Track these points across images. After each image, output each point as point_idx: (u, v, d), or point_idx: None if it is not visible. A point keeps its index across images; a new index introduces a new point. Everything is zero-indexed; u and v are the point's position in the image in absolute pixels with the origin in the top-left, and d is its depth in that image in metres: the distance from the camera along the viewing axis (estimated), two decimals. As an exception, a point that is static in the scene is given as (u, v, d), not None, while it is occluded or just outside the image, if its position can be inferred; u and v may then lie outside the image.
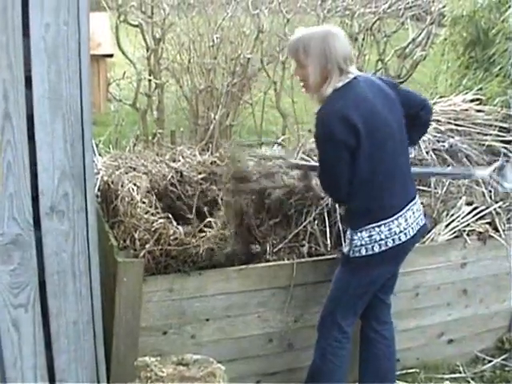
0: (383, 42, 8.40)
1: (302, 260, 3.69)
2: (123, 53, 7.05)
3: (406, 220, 3.38)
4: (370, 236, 3.33)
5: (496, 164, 4.12)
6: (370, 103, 3.28)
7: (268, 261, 3.66)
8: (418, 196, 3.53)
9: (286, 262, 3.66)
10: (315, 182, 3.83)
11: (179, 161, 4.00)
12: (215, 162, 3.90)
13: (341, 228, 3.83)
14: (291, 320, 3.74)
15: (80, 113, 2.61)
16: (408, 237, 3.39)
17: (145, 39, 7.20)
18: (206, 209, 3.76)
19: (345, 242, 3.51)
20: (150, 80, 7.31)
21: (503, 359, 4.39)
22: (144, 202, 3.59)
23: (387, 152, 3.31)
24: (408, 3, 8.86)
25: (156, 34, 7.18)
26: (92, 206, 2.76)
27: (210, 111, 7.05)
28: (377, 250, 3.34)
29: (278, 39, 7.53)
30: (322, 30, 3.33)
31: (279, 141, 5.26)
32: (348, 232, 3.42)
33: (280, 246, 3.72)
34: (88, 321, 2.90)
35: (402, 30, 8.60)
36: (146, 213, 3.52)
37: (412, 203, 3.44)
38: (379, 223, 3.32)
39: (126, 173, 3.91)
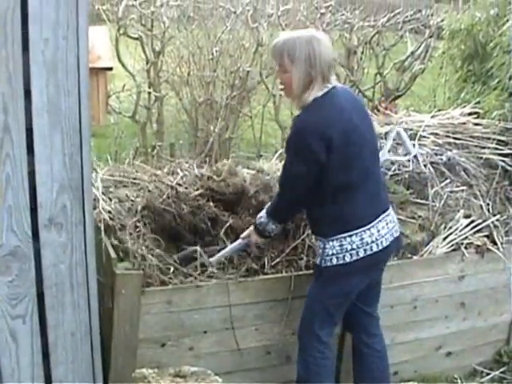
0: (382, 55, 8.44)
1: (300, 273, 3.71)
2: (123, 65, 7.07)
3: (379, 231, 3.38)
4: (341, 245, 3.33)
5: (389, 141, 4.14)
6: (348, 114, 3.28)
7: (266, 274, 3.67)
8: (391, 207, 3.55)
9: (284, 274, 3.67)
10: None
11: (177, 174, 4.00)
12: (211, 177, 3.89)
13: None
14: (289, 333, 3.74)
15: (79, 126, 2.62)
16: (380, 247, 3.39)
17: (144, 52, 7.22)
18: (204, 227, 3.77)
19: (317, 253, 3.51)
20: (149, 92, 7.33)
21: (501, 372, 4.39)
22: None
23: (361, 162, 3.32)
24: (407, 17, 8.94)
25: (156, 47, 7.20)
26: (90, 218, 2.78)
27: (209, 124, 7.06)
28: (348, 259, 3.34)
29: (277, 52, 7.54)
30: (307, 35, 3.29)
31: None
32: (319, 242, 3.42)
33: (278, 260, 3.74)
34: (86, 332, 2.91)
35: (401, 43, 8.65)
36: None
37: (385, 214, 3.44)
38: (351, 233, 3.32)
39: (125, 186, 3.94)
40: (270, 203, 3.57)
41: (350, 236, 3.32)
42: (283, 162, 3.46)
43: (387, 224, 3.43)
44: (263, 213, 3.53)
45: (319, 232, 3.44)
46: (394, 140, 4.22)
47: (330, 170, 3.23)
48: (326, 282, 3.44)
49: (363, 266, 3.40)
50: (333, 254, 3.34)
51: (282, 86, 3.39)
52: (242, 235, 3.66)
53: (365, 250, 3.34)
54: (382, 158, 3.93)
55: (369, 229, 3.35)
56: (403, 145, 4.24)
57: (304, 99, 3.27)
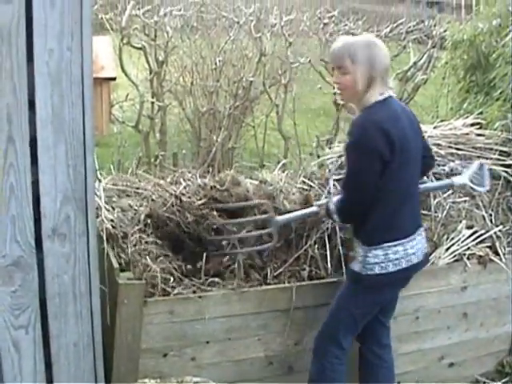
0: (385, 65, 8.42)
1: (303, 283, 3.70)
2: (126, 75, 7.09)
3: (417, 243, 3.43)
4: (385, 254, 3.35)
5: (471, 169, 4.13)
6: (402, 124, 3.33)
7: (269, 284, 3.67)
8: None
9: (287, 285, 3.67)
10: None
11: (180, 183, 4.00)
12: (215, 186, 3.90)
13: (341, 251, 3.84)
14: (291, 343, 3.74)
15: (82, 137, 2.63)
16: (417, 260, 3.44)
17: (148, 61, 7.24)
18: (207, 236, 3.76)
19: (347, 260, 3.50)
20: (152, 102, 7.34)
21: (504, 383, 4.38)
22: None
23: (411, 172, 3.39)
24: (410, 27, 8.95)
25: (159, 57, 7.22)
26: (93, 229, 2.78)
27: (212, 134, 7.07)
28: (390, 269, 3.36)
29: (280, 62, 7.57)
30: (365, 39, 3.39)
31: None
32: (360, 249, 3.42)
33: (281, 270, 3.74)
34: (88, 342, 2.91)
35: (404, 53, 8.64)
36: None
37: (421, 228, 3.52)
38: (396, 242, 3.35)
39: (128, 195, 3.94)
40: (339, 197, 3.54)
41: (396, 246, 3.35)
42: (347, 165, 3.42)
43: (422, 239, 3.50)
44: (334, 203, 3.51)
45: (364, 239, 3.42)
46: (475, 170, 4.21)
47: (387, 172, 3.26)
48: (363, 290, 3.45)
49: (401, 278, 3.46)
50: (375, 263, 3.35)
51: (340, 91, 3.47)
52: (317, 203, 3.74)
53: (407, 261, 3.39)
54: (459, 182, 4.05)
55: (411, 240, 3.40)
56: (482, 177, 4.21)
57: (366, 100, 3.32)
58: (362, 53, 3.27)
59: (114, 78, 9.31)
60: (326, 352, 3.54)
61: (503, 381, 4.39)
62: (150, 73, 7.29)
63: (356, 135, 3.31)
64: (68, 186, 2.65)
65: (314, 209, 3.74)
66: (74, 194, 2.67)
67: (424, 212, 4.21)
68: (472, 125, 4.93)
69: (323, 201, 3.73)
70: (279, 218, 3.72)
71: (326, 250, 3.85)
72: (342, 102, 3.54)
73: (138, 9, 7.15)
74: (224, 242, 3.70)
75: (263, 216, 3.74)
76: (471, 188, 4.10)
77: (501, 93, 4.95)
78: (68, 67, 2.55)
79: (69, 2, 2.51)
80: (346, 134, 3.42)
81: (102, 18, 7.25)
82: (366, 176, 3.30)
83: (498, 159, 4.60)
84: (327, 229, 3.89)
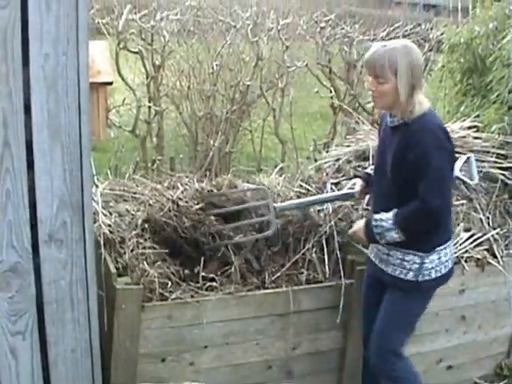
0: (382, 68, 8.42)
1: (301, 287, 3.69)
2: (123, 79, 7.09)
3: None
4: (439, 258, 3.37)
5: (459, 162, 4.12)
6: None
7: (267, 288, 3.66)
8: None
9: (284, 289, 3.65)
10: (313, 209, 3.85)
11: (178, 188, 4.00)
12: (212, 190, 3.89)
13: (339, 255, 3.83)
14: (290, 347, 3.73)
15: (79, 141, 2.63)
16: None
17: (144, 66, 7.24)
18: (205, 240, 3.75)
19: (389, 267, 3.45)
20: (149, 107, 7.34)
21: (502, 385, 4.38)
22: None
23: None
24: (406, 30, 8.95)
25: (156, 61, 7.22)
26: (90, 234, 2.78)
27: (209, 138, 7.08)
28: (443, 271, 3.40)
29: (277, 66, 7.58)
30: (403, 45, 3.24)
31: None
32: (413, 257, 3.36)
33: (278, 274, 3.73)
34: (86, 348, 2.90)
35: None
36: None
37: None
38: (445, 245, 3.39)
39: (125, 200, 3.93)
40: (397, 211, 3.29)
41: (445, 248, 3.39)
42: (429, 170, 3.21)
43: None
44: (388, 217, 3.30)
45: (421, 247, 3.36)
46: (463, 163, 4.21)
47: None
48: (420, 296, 3.46)
49: (449, 278, 3.50)
50: (432, 268, 3.36)
51: (378, 99, 3.34)
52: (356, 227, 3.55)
53: (452, 262, 3.46)
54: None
55: (452, 242, 3.51)
56: (470, 170, 4.21)
57: (412, 108, 3.23)
58: (403, 62, 3.17)
59: (111, 83, 9.32)
60: (386, 365, 3.51)
61: (502, 383, 4.39)
62: (147, 77, 7.29)
63: (432, 138, 3.20)
64: (64, 190, 2.64)
65: (312, 198, 3.80)
66: (71, 199, 2.66)
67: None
68: (469, 128, 4.93)
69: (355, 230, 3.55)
70: (277, 204, 3.76)
71: (323, 254, 3.83)
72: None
73: (135, 13, 7.15)
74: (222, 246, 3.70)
75: (263, 218, 3.75)
76: (462, 181, 4.11)
77: (497, 96, 4.95)
78: (64, 72, 2.55)
79: (64, 7, 2.51)
80: (415, 141, 3.21)
81: (98, 22, 7.25)
82: (449, 177, 3.32)
83: (495, 162, 4.60)
84: (325, 232, 3.88)
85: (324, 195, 3.89)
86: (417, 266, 3.35)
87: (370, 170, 3.77)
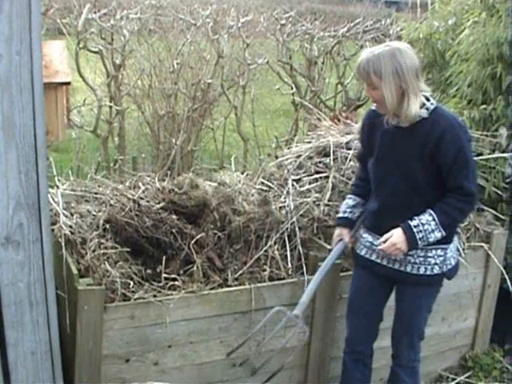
0: (343, 64, 8.48)
1: (264, 284, 3.70)
2: (83, 79, 7.02)
3: None
4: (455, 245, 3.52)
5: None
6: None
7: (229, 286, 3.66)
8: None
9: (247, 286, 3.66)
10: (275, 206, 3.85)
11: (139, 187, 3.98)
12: (173, 190, 3.87)
13: (301, 251, 3.84)
14: (254, 345, 3.73)
15: (34, 142, 2.61)
16: None
17: (105, 65, 7.19)
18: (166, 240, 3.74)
19: (408, 266, 3.46)
20: (110, 106, 7.29)
21: (467, 377, 4.43)
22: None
23: None
24: (367, 26, 9.00)
25: (116, 60, 7.17)
26: (47, 235, 2.75)
27: (171, 136, 7.05)
28: (457, 256, 3.58)
29: (238, 64, 7.57)
30: (389, 49, 3.22)
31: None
32: (435, 252, 3.40)
33: (241, 272, 3.73)
34: (46, 351, 2.88)
35: (361, 52, 8.69)
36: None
37: None
38: (458, 230, 3.63)
39: (87, 201, 3.91)
40: (431, 210, 3.29)
41: (457, 233, 3.60)
42: (466, 164, 3.28)
43: None
44: (427, 219, 3.28)
45: (447, 239, 3.42)
46: None
47: None
48: (440, 286, 3.57)
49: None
50: (452, 257, 3.48)
51: (376, 104, 3.35)
52: (378, 242, 3.44)
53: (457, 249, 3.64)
54: None
55: None
56: None
57: (405, 111, 3.23)
58: (388, 66, 3.16)
59: (69, 83, 9.25)
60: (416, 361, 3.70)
61: (466, 375, 4.44)
62: (108, 77, 7.23)
63: (461, 131, 3.25)
64: (20, 192, 2.61)
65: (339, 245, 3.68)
66: (27, 201, 2.64)
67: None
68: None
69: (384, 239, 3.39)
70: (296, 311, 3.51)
71: (286, 251, 3.84)
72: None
73: (95, 12, 7.08)
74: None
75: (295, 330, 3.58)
76: None
77: (457, 90, 5.00)
78: (18, 72, 2.52)
79: (17, 7, 2.49)
80: (447, 136, 3.22)
81: (58, 22, 7.19)
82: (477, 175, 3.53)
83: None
84: (286, 229, 3.89)
85: (324, 267, 3.67)
86: (442, 258, 3.42)
87: (346, 214, 3.70)
